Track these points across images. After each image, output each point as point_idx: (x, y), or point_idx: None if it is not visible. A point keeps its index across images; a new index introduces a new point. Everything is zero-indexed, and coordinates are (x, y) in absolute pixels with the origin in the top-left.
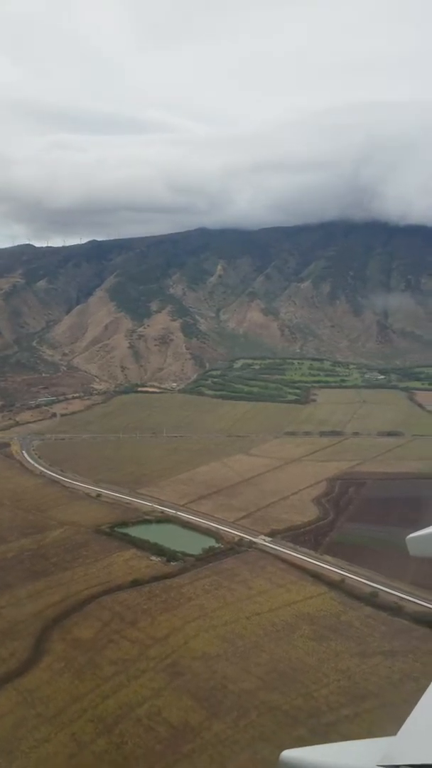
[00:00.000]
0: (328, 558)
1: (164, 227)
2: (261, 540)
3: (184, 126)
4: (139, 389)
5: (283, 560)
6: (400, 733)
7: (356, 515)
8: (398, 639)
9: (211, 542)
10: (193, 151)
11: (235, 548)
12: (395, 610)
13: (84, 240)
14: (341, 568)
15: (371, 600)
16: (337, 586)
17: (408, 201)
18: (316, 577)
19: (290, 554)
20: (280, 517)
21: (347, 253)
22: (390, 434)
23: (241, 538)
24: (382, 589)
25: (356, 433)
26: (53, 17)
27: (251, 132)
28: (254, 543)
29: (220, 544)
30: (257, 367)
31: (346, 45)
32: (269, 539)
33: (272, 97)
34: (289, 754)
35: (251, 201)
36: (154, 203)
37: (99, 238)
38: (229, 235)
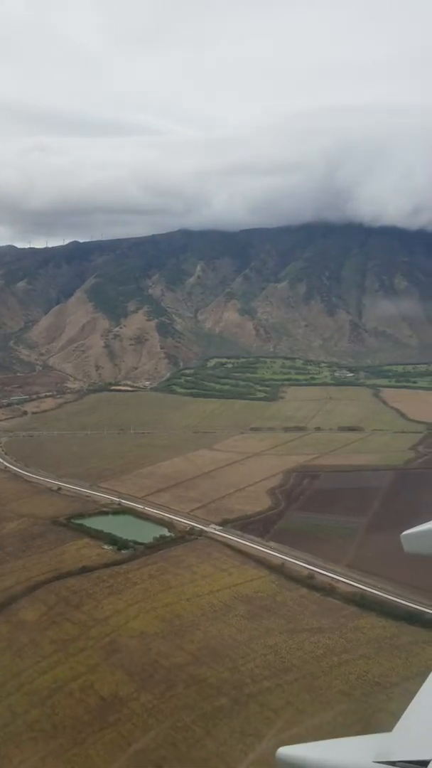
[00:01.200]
0: (273, 544)
1: (147, 229)
2: (212, 529)
3: (166, 129)
4: (113, 388)
5: (230, 547)
6: (395, 729)
7: (306, 505)
8: (327, 617)
9: (163, 531)
10: (175, 153)
11: (185, 537)
12: (328, 590)
13: (66, 241)
14: (284, 553)
15: (307, 582)
16: (276, 569)
17: (381, 203)
18: (259, 561)
19: (237, 541)
20: (234, 507)
21: (324, 254)
22: (350, 429)
23: (192, 527)
24: (318, 572)
25: (318, 429)
26: (39, 20)
27: (230, 135)
28: (205, 531)
29: (171, 533)
30: (230, 365)
31: (322, 51)
32: (219, 528)
33: (252, 101)
34: (285, 751)
35: (230, 203)
36: (135, 205)
37: (81, 240)
38: (210, 236)
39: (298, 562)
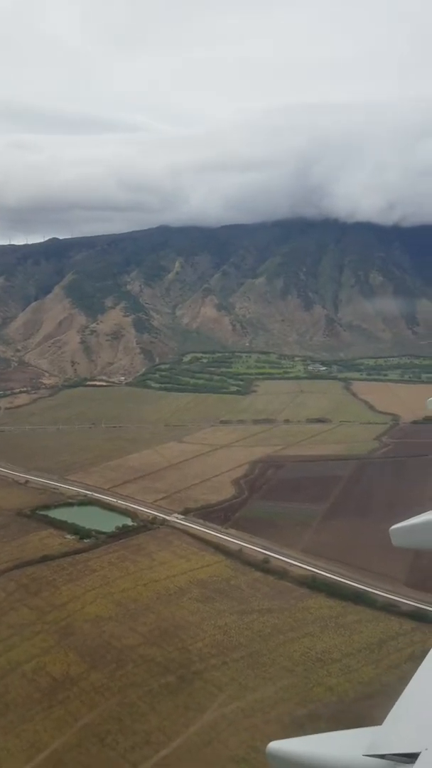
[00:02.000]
0: (233, 531)
1: (127, 225)
2: (174, 518)
3: (146, 126)
4: (88, 383)
5: (190, 534)
6: (385, 722)
7: (268, 494)
8: (278, 599)
9: (127, 521)
10: (154, 150)
11: (147, 525)
12: (281, 573)
13: (46, 238)
14: (243, 540)
15: (262, 566)
16: (234, 555)
17: (355, 199)
18: (217, 547)
19: (198, 529)
20: (198, 497)
21: (302, 249)
22: (319, 421)
23: (155, 517)
24: (274, 556)
25: (287, 421)
26: (18, 16)
27: (209, 132)
28: (167, 520)
29: (134, 523)
30: (205, 360)
31: (302, 50)
32: (181, 517)
33: (232, 99)
34: (275, 745)
35: (210, 199)
36: (114, 202)
37: (61, 237)
38: (190, 232)
39: (255, 548)
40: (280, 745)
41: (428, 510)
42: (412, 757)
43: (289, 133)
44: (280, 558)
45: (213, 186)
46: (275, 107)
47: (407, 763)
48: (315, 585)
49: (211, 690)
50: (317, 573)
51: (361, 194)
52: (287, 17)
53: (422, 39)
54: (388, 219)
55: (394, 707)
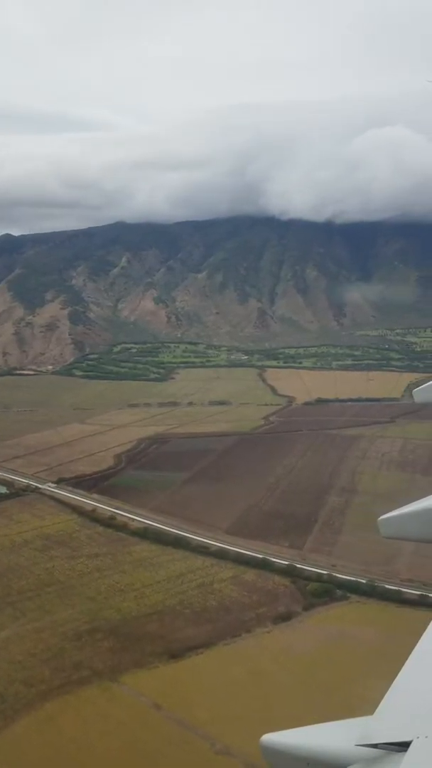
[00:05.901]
0: (96, 496)
1: (83, 222)
2: (47, 486)
3: (96, 124)
4: (16, 372)
5: (55, 499)
6: (377, 712)
7: (143, 465)
8: (109, 546)
9: (1, 489)
10: (100, 148)
11: (19, 493)
12: (121, 527)
13: None
14: (101, 503)
15: (107, 522)
16: (86, 514)
17: (288, 196)
18: (73, 509)
19: (65, 495)
20: (76, 469)
21: (246, 245)
22: (220, 403)
23: (29, 485)
24: (122, 514)
25: (190, 403)
26: None
27: (158, 131)
28: (39, 488)
29: (7, 491)
30: (134, 350)
31: (235, 51)
32: (54, 485)
33: (177, 98)
34: (268, 737)
35: (154, 196)
36: (60, 199)
37: (15, 233)
38: (143, 228)
39: (108, 508)
40: (272, 738)
41: (416, 499)
42: (404, 745)
43: (229, 132)
44: (127, 515)
45: (158, 183)
46: (218, 106)
47: (399, 751)
48: (145, 534)
49: (17, 615)
50: (152, 525)
51: (294, 192)
52: (241, 18)
53: (355, 41)
54: (321, 215)
55: (386, 696)
